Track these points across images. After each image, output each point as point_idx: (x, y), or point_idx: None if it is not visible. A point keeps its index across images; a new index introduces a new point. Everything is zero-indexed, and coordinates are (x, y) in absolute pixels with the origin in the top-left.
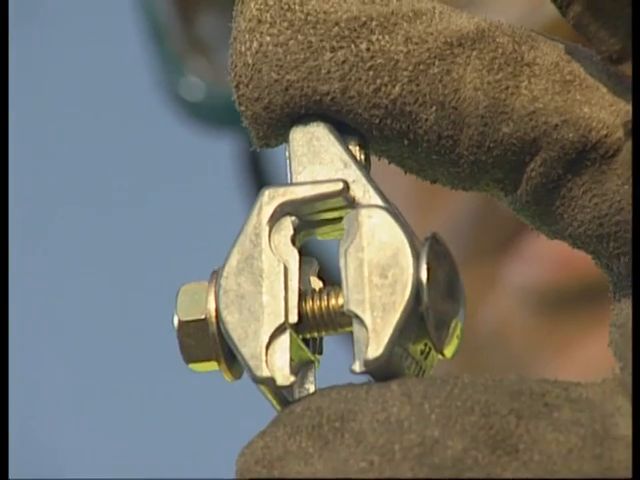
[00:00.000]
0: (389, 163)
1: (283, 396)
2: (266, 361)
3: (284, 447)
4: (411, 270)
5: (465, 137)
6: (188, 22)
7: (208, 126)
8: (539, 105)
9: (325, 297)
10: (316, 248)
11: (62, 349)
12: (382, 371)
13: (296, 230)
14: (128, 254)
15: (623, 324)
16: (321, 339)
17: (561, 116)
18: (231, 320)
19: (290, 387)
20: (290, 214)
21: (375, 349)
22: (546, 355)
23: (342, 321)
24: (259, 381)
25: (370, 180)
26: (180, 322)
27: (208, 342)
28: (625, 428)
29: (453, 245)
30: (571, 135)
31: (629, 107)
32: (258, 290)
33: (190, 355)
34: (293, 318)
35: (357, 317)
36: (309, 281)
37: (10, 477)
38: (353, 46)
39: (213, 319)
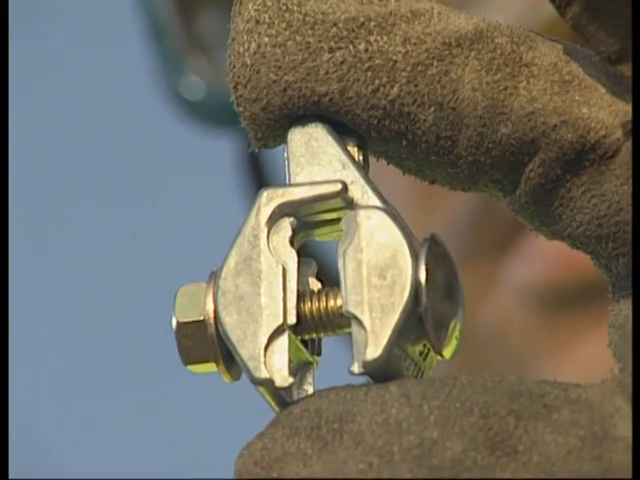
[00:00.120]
0: (387, 164)
1: (282, 397)
2: (265, 362)
3: (283, 448)
4: (410, 271)
5: (464, 138)
6: (188, 21)
7: (208, 125)
8: (538, 106)
9: (324, 298)
10: (316, 249)
11: (62, 349)
12: (381, 372)
13: (294, 231)
14: (127, 254)
15: (622, 325)
16: (320, 340)
17: (560, 117)
18: (229, 321)
19: (289, 388)
20: (288, 215)
21: (374, 350)
22: (546, 354)
23: (341, 322)
24: (258, 382)
25: (368, 181)
26: (178, 323)
27: (206, 343)
28: (624, 429)
29: (453, 244)
30: (570, 136)
31: (628, 107)
32: (256, 291)
33: (188, 356)
34: (292, 319)
35: (356, 318)
36: (307, 282)
37: (10, 477)
38: (351, 47)
39: (211, 320)
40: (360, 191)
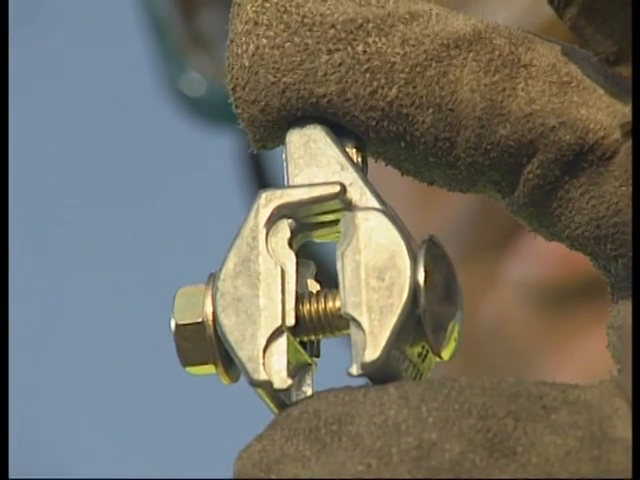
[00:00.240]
0: (386, 165)
1: (280, 399)
2: (263, 364)
3: (281, 450)
4: (408, 273)
5: (462, 139)
6: (189, 18)
7: (209, 122)
8: (536, 107)
9: (322, 300)
10: (316, 250)
11: (62, 351)
12: (379, 374)
13: (293, 233)
14: (125, 253)
15: (621, 326)
16: (318, 342)
17: (558, 118)
18: (228, 323)
19: (287, 390)
20: (287, 217)
21: (372, 352)
22: (547, 351)
23: (339, 324)
24: (256, 384)
25: (367, 182)
26: (177, 325)
27: (205, 345)
28: (623, 430)
29: (453, 243)
30: (568, 137)
31: (626, 108)
32: (255, 293)
33: (187, 358)
34: (290, 321)
35: (354, 320)
36: (306, 284)
37: (10, 477)
38: (350, 48)
39: (210, 322)
40: (358, 193)
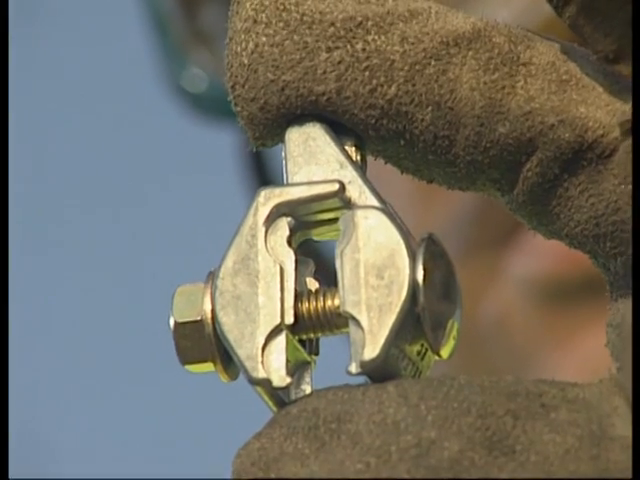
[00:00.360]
0: (385, 163)
1: (279, 397)
2: (262, 362)
3: (280, 448)
4: (407, 271)
5: (461, 137)
6: (191, 13)
7: (210, 117)
8: (535, 105)
9: (321, 298)
10: (319, 248)
11: (61, 350)
12: (378, 372)
13: (292, 231)
14: (125, 250)
15: (620, 324)
16: (317, 340)
17: (557, 116)
18: (227, 321)
19: (286, 388)
20: (286, 215)
21: (371, 350)
22: (548, 347)
23: (338, 322)
24: (255, 382)
25: (366, 181)
26: (176, 323)
27: (204, 343)
28: (622, 429)
29: (454, 239)
30: (567, 135)
31: (625, 107)
32: (254, 291)
33: (186, 356)
34: (289, 319)
35: (353, 318)
36: (305, 282)
37: (10, 477)
38: (349, 46)
39: (209, 320)
40: (358, 191)
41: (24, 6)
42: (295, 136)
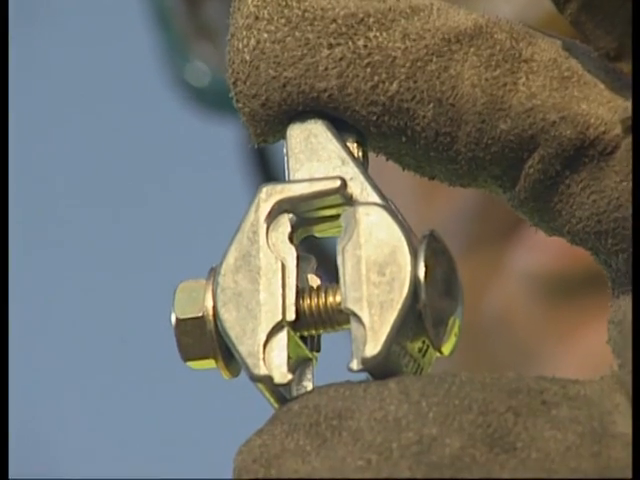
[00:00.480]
0: (387, 160)
1: (281, 394)
2: (264, 359)
3: (282, 445)
4: (409, 268)
5: (463, 134)
6: (194, 7)
7: (213, 111)
8: (537, 102)
9: (323, 295)
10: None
11: (62, 344)
12: (380, 369)
13: (293, 227)
14: (126, 246)
15: (621, 321)
16: (319, 337)
17: (559, 113)
18: (229, 318)
19: (288, 385)
20: (288, 211)
21: (373, 347)
22: (550, 342)
23: (340, 319)
24: (257, 379)
25: (368, 177)
26: (177, 320)
27: (205, 340)
28: (623, 426)
29: (457, 233)
30: (569, 132)
31: (627, 104)
32: (255, 288)
33: (188, 353)
34: (291, 316)
35: (355, 315)
36: (307, 279)
37: (10, 477)
38: (350, 43)
39: (210, 317)
40: (359, 187)
41: (24, 5)
42: (297, 133)
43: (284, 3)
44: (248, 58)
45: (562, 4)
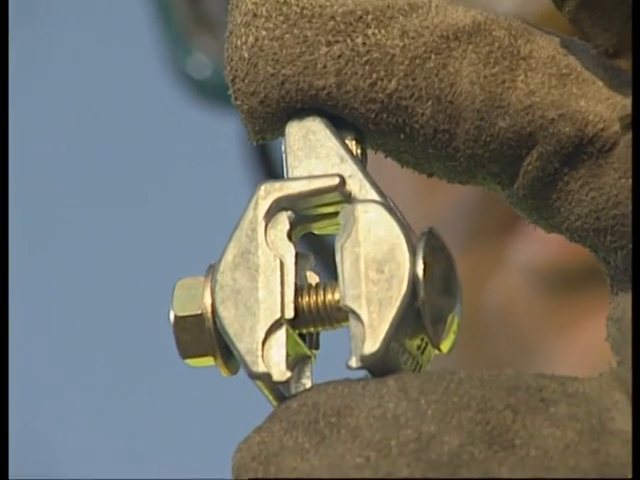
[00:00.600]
0: (385, 157)
1: (279, 391)
2: (262, 356)
3: (280, 443)
4: (407, 265)
5: (461, 131)
6: None
7: (214, 104)
8: (535, 99)
9: (321, 292)
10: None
11: (60, 349)
12: (379, 366)
13: (292, 225)
14: (125, 242)
15: (620, 318)
16: (317, 334)
17: (557, 110)
18: (227, 315)
19: (286, 382)
20: (286, 209)
21: (371, 344)
22: (551, 335)
23: (338, 316)
24: (255, 376)
25: (366, 175)
26: (176, 317)
27: (204, 337)
28: (622, 423)
29: (458, 226)
30: (567, 129)
31: (626, 101)
32: (254, 285)
33: (186, 350)
34: (289, 313)
35: (353, 312)
36: (305, 276)
37: (10, 477)
38: (349, 40)
39: (209, 314)
40: (358, 185)
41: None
42: (295, 130)
43: (282, 0)
44: (246, 55)
45: (560, 1)
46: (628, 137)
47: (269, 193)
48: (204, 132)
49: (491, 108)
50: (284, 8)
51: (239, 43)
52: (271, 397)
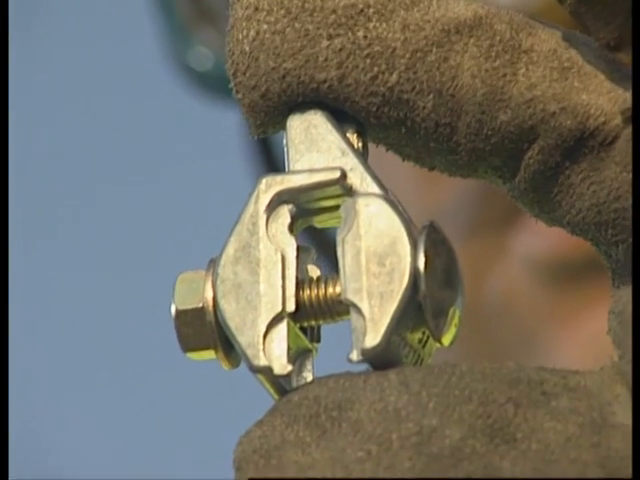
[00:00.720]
0: (386, 150)
1: (281, 385)
2: (263, 350)
3: (282, 436)
4: (409, 258)
5: (463, 125)
6: None
7: (216, 96)
8: (537, 92)
9: (322, 286)
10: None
11: (60, 347)
12: (380, 360)
13: (293, 218)
14: (125, 236)
15: (621, 312)
16: (319, 328)
17: (559, 103)
18: (228, 309)
19: (288, 376)
20: (287, 202)
21: (373, 338)
22: (553, 326)
23: (340, 310)
24: (256, 370)
25: (368, 168)
26: (177, 311)
27: (205, 331)
28: (623, 416)
29: (459, 218)
30: (569, 122)
31: (627, 94)
32: (255, 279)
33: (188, 344)
34: (290, 307)
35: (354, 306)
36: (306, 269)
37: (10, 477)
38: (350, 34)
39: (210, 308)
40: (359, 178)
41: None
42: (296, 123)
43: None
44: (248, 49)
45: None
46: (629, 130)
47: (270, 186)
48: (205, 124)
49: (492, 101)
50: (285, 2)
51: (240, 37)
52: (272, 391)
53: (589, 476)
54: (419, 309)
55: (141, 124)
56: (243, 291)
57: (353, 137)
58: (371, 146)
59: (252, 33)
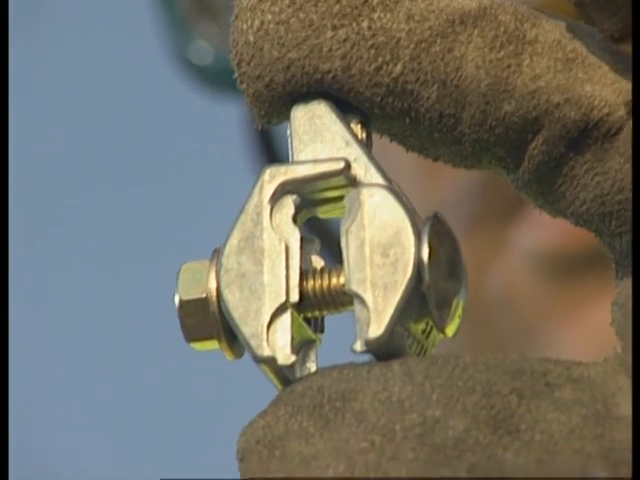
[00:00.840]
0: (390, 141)
1: (284, 375)
2: (267, 340)
3: (285, 427)
4: (413, 249)
5: (467, 115)
6: None
7: (216, 90)
8: (541, 83)
9: (326, 276)
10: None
11: (60, 346)
12: (383, 350)
13: (297, 209)
14: (127, 229)
15: (625, 303)
16: (322, 318)
17: (563, 94)
18: (232, 299)
19: (291, 366)
20: (291, 193)
21: (376, 328)
22: (554, 319)
23: (343, 300)
24: (260, 360)
25: (371, 159)
26: (181, 301)
27: (209, 321)
28: (626, 408)
29: (461, 211)
30: (573, 113)
31: (631, 85)
32: (259, 269)
33: (191, 334)
34: (294, 297)
35: (358, 296)
36: (310, 260)
37: (10, 477)
38: (355, 24)
39: (214, 298)
40: (363, 169)
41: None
42: (301, 114)
43: None
44: (252, 39)
45: None
46: None
47: (274, 177)
48: (206, 118)
49: (496, 92)
50: None
51: (245, 27)
52: (276, 381)
53: (592, 467)
54: (423, 300)
55: (142, 118)
56: (247, 281)
57: (357, 128)
58: (375, 137)
59: (256, 23)
